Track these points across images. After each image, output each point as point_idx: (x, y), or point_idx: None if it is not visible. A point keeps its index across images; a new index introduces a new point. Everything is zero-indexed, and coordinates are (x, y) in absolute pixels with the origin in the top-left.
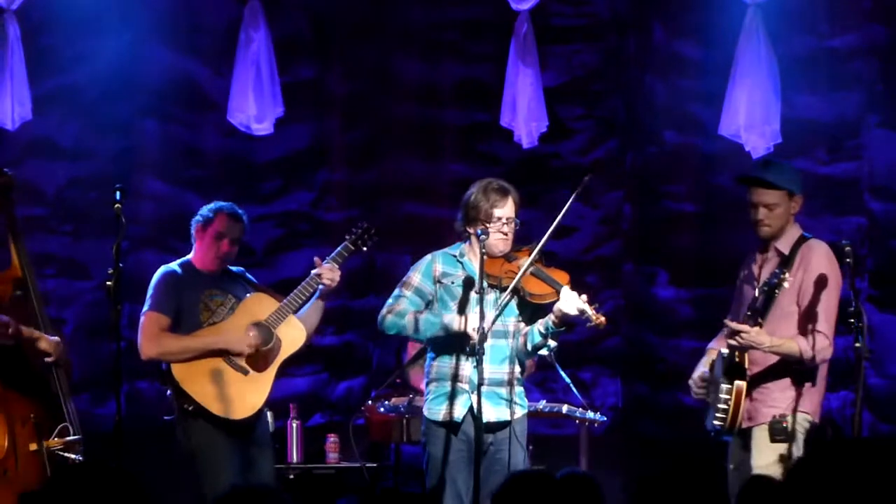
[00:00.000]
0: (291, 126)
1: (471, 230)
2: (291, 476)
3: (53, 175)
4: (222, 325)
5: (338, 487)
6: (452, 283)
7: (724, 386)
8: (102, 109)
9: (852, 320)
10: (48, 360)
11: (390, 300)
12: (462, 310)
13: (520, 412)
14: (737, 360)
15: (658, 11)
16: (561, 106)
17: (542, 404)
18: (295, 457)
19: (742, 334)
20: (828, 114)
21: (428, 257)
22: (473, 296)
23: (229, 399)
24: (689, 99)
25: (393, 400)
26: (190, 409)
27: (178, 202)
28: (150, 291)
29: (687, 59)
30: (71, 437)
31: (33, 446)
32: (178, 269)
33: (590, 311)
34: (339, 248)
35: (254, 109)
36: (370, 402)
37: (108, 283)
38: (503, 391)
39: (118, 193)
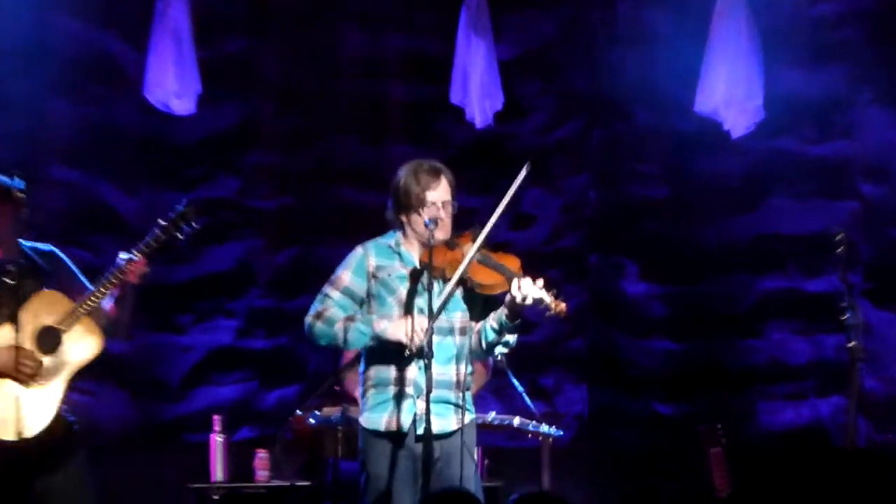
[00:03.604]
0: (217, 104)
1: (404, 218)
2: (216, 497)
3: None
4: None
5: None
6: (389, 275)
7: None
8: (3, 87)
9: (845, 317)
10: None
11: (316, 303)
12: (409, 306)
13: (468, 418)
14: None
15: None
16: (517, 81)
17: (490, 416)
18: (220, 475)
19: None
20: (815, 88)
21: (358, 250)
22: (419, 291)
23: (1, 419)
24: (661, 72)
25: (325, 410)
26: None
27: (89, 190)
28: None
29: (658, 28)
30: None
31: None
32: None
33: (547, 297)
34: (147, 237)
35: (174, 85)
36: (298, 412)
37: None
38: (451, 395)
39: (17, 181)
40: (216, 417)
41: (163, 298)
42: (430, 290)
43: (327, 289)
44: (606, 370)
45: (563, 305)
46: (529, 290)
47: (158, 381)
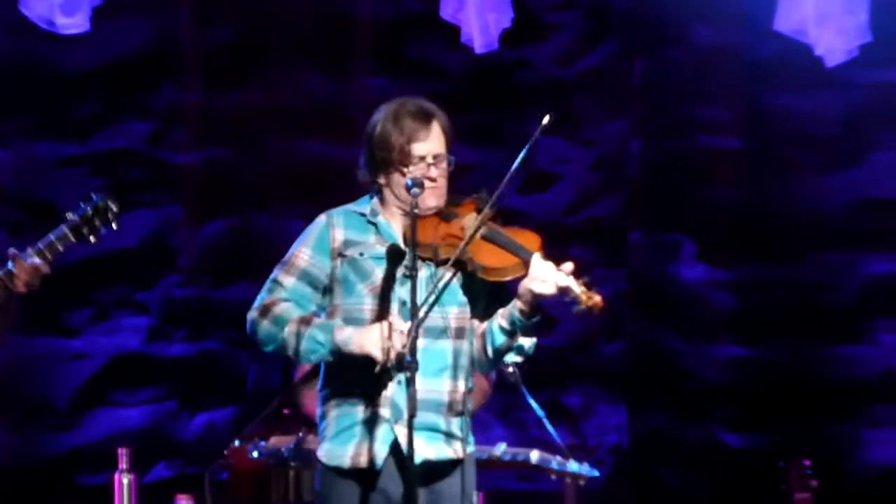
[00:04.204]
0: (117, 19)
1: (382, 179)
2: None
3: None
4: None
5: None
6: (361, 254)
7: None
8: None
9: None
10: None
11: (263, 292)
12: (384, 298)
13: (466, 451)
14: None
15: None
16: None
17: (500, 449)
18: None
19: None
20: None
21: (321, 219)
22: (400, 277)
23: None
24: None
25: (272, 440)
26: None
27: None
28: None
29: None
30: None
31: None
32: None
33: (576, 287)
34: (51, 234)
35: None
36: (237, 442)
37: None
38: (440, 420)
39: None
40: (121, 451)
41: (45, 287)
42: (413, 275)
43: (278, 272)
44: (652, 385)
45: (597, 298)
46: (553, 276)
47: (40, 403)
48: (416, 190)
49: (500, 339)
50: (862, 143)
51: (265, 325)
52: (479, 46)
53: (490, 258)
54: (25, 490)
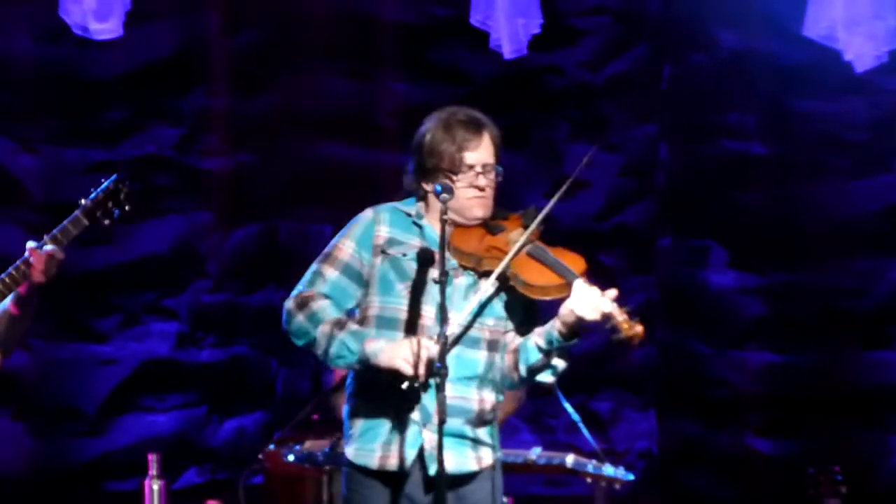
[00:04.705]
0: (149, 25)
1: (429, 187)
2: None
3: None
4: None
5: None
6: (404, 255)
7: None
8: None
9: None
10: None
11: (302, 283)
12: (415, 304)
13: (491, 458)
14: None
15: None
16: None
17: (535, 453)
18: None
19: None
20: None
21: (367, 214)
22: (432, 283)
23: None
24: None
25: (307, 444)
26: None
27: None
28: None
29: None
30: None
31: None
32: None
33: (618, 315)
34: (65, 222)
35: (93, 1)
36: (272, 447)
37: None
38: (466, 428)
39: None
40: (151, 457)
41: (75, 293)
42: (444, 280)
43: (320, 264)
44: (682, 391)
45: (639, 328)
46: (596, 301)
47: (69, 408)
48: (445, 196)
49: (535, 357)
50: (890, 148)
51: (300, 319)
52: (508, 52)
53: (534, 275)
54: (55, 496)
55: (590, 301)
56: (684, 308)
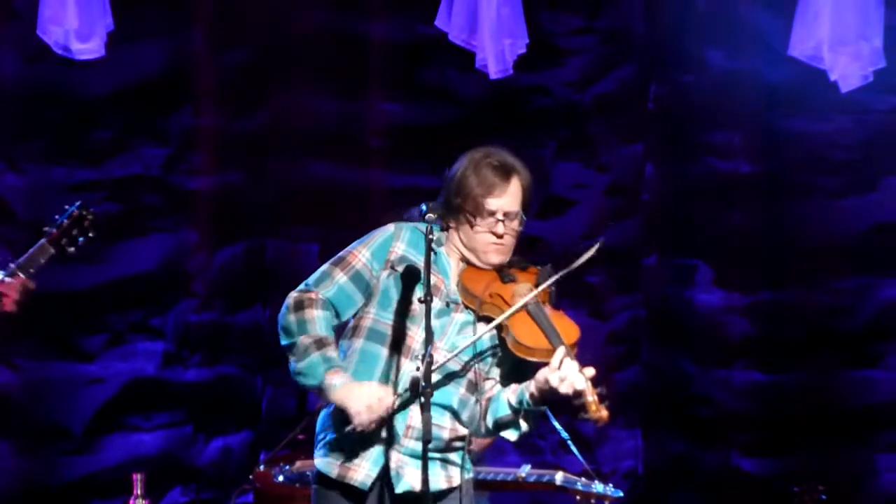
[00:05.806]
0: (134, 45)
1: (452, 223)
2: None
3: None
4: None
5: None
6: None
7: None
8: None
9: None
10: None
11: (311, 280)
12: (401, 325)
13: (462, 476)
14: None
15: None
16: (549, 14)
17: (524, 470)
18: None
19: None
20: None
21: (389, 228)
22: (417, 304)
23: None
24: (743, 3)
25: (298, 464)
26: None
27: None
28: None
29: None
30: None
31: None
32: None
33: (589, 395)
34: (30, 251)
35: (75, 21)
36: (261, 467)
37: None
38: (436, 452)
39: None
40: (136, 476)
41: (60, 312)
42: (428, 301)
43: (332, 266)
44: (668, 410)
45: (604, 413)
46: (572, 376)
47: (55, 427)
48: (430, 216)
49: (504, 412)
50: (877, 167)
51: (291, 319)
52: (494, 72)
53: (525, 335)
54: None
55: (565, 373)
56: (670, 327)
